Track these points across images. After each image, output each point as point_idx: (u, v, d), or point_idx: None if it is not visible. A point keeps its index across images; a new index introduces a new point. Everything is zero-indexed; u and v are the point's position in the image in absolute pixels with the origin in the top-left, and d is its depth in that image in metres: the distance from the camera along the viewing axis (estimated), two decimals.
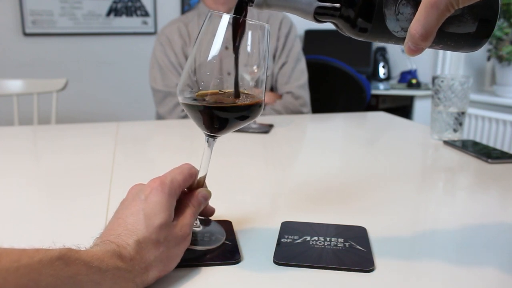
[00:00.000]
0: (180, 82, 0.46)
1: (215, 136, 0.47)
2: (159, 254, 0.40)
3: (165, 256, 0.41)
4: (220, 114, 0.45)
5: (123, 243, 0.39)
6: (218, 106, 0.44)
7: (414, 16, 0.37)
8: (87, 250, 0.37)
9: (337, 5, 0.42)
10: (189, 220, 0.44)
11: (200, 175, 0.48)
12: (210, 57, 0.44)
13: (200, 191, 0.48)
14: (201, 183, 0.49)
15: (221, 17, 0.43)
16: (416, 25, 0.36)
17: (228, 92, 0.45)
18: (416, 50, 0.38)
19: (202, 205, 0.47)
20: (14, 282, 0.30)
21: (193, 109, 0.45)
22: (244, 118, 0.46)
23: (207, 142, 0.48)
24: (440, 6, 0.35)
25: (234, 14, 0.44)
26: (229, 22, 0.43)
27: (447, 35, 0.40)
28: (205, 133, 0.47)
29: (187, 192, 0.48)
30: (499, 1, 0.40)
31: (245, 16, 0.44)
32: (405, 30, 0.40)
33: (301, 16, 0.43)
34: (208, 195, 0.49)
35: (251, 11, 1.47)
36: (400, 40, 0.41)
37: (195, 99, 0.44)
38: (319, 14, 0.43)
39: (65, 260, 0.34)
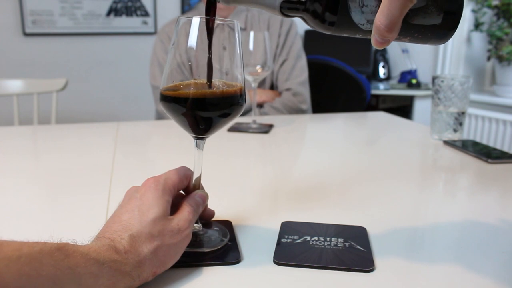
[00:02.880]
0: (165, 85, 0.46)
1: (203, 138, 0.48)
2: (153, 248, 0.40)
3: (160, 251, 0.41)
4: (201, 109, 0.44)
5: (118, 237, 0.39)
6: (196, 94, 0.44)
7: (378, 8, 0.37)
8: (83, 245, 0.38)
9: None
10: (187, 216, 0.44)
11: (194, 177, 0.49)
12: (206, 58, 0.44)
13: (196, 192, 0.48)
14: (197, 186, 0.49)
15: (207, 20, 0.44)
16: (381, 16, 0.36)
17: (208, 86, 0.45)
18: (382, 42, 0.38)
19: (201, 206, 0.47)
20: (16, 270, 0.31)
21: (172, 105, 0.45)
22: (225, 114, 0.46)
23: (196, 145, 0.48)
24: None
25: (205, 11, 0.45)
26: (212, 24, 0.44)
27: (414, 27, 0.40)
28: (193, 136, 0.48)
29: (184, 194, 0.49)
30: None
31: (214, 14, 0.45)
32: (370, 22, 0.39)
33: (268, 10, 0.43)
34: (205, 196, 0.49)
35: (252, 11, 1.48)
36: (367, 33, 0.41)
37: (174, 91, 0.45)
38: (285, 9, 0.43)
39: (64, 251, 0.34)
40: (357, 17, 0.40)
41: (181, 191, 0.49)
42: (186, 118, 0.45)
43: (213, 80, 0.45)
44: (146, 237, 0.40)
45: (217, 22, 0.44)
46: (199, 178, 0.49)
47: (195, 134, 0.47)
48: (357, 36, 0.42)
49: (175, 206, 0.46)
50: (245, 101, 0.47)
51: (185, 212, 0.45)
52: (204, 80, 0.45)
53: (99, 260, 0.36)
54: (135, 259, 0.39)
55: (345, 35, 0.43)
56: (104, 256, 0.37)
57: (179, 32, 0.45)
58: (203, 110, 0.44)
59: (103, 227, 0.42)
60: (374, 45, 0.38)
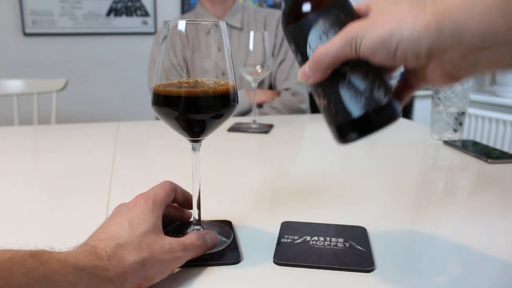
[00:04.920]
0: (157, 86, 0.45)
1: (198, 140, 0.47)
2: (141, 259, 0.38)
3: (148, 264, 0.39)
4: (193, 106, 0.44)
5: (102, 245, 0.38)
6: (186, 92, 0.43)
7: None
8: (61, 251, 0.35)
9: None
10: (184, 241, 0.43)
11: (194, 183, 0.48)
12: (204, 60, 0.44)
13: (210, 232, 0.48)
14: (196, 194, 0.49)
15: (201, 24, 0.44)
16: (322, 46, 0.37)
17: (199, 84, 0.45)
18: (307, 75, 0.38)
19: (207, 246, 0.46)
20: None
21: (164, 109, 0.45)
22: (218, 115, 0.45)
23: (192, 149, 0.48)
24: (348, 34, 0.36)
25: None
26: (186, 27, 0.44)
27: (336, 94, 0.39)
28: (188, 140, 0.48)
29: (176, 206, 0.49)
30: (387, 123, 0.39)
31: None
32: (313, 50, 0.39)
33: None
34: (216, 240, 0.48)
35: (248, 10, 1.48)
36: (303, 61, 0.40)
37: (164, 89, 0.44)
38: None
39: (39, 258, 0.32)
40: (312, 36, 0.39)
41: (175, 204, 0.50)
42: (178, 121, 0.45)
43: (204, 79, 0.45)
44: (133, 247, 0.39)
45: (206, 23, 0.44)
46: (198, 183, 0.49)
47: (189, 136, 0.47)
48: (297, 57, 0.41)
49: (165, 219, 0.46)
50: (237, 100, 0.47)
51: (185, 238, 0.44)
52: (193, 79, 0.44)
53: (78, 266, 0.34)
54: (119, 266, 0.37)
55: (292, 46, 0.42)
56: (83, 261, 0.35)
57: (168, 36, 0.44)
58: (195, 107, 0.44)
59: (88, 238, 0.41)
60: (300, 74, 0.39)
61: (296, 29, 0.40)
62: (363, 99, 0.38)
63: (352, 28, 0.36)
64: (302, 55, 0.40)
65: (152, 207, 0.43)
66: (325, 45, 0.37)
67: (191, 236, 0.44)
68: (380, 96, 0.38)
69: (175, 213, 0.51)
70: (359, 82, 0.38)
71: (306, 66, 0.38)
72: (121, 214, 0.42)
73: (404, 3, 0.34)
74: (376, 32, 0.34)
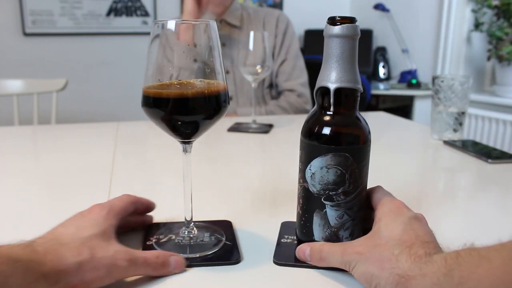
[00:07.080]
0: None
1: (189, 142, 0.47)
2: (78, 260, 0.37)
3: (86, 266, 0.37)
4: (181, 105, 0.44)
5: (41, 241, 0.37)
6: (176, 94, 0.43)
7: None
8: None
9: None
10: (137, 252, 0.41)
11: (185, 184, 0.48)
12: (186, 61, 0.44)
13: (175, 255, 0.44)
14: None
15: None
16: (325, 253, 0.43)
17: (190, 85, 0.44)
18: (305, 255, 0.45)
19: (167, 268, 0.43)
20: None
21: (153, 110, 0.45)
22: (210, 116, 0.45)
23: (183, 150, 0.48)
24: (345, 258, 0.41)
25: None
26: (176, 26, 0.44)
27: (310, 214, 0.46)
28: (179, 141, 0.47)
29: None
30: None
31: None
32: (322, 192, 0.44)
33: None
34: (181, 266, 0.43)
35: (247, 10, 1.48)
36: (300, 172, 0.48)
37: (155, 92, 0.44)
38: None
39: None
40: (316, 163, 0.44)
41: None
42: (168, 123, 0.45)
43: (194, 80, 0.45)
44: (74, 247, 0.38)
45: (197, 23, 0.44)
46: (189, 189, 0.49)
47: (180, 138, 0.47)
48: (299, 161, 0.48)
49: (125, 227, 0.48)
50: (228, 101, 0.47)
51: (140, 252, 0.42)
52: (184, 80, 0.44)
53: (12, 257, 0.33)
54: (54, 262, 0.35)
55: (300, 151, 0.47)
56: (18, 254, 0.34)
57: (159, 37, 0.44)
58: (186, 108, 0.44)
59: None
60: (298, 249, 0.45)
61: (309, 146, 0.45)
62: (328, 231, 0.45)
63: (348, 253, 0.41)
64: (302, 166, 0.46)
65: (105, 215, 0.44)
66: (328, 255, 0.43)
67: (149, 252, 0.43)
68: (344, 235, 0.45)
69: (136, 220, 0.52)
70: (333, 218, 0.44)
71: (308, 250, 0.44)
72: (72, 219, 0.43)
73: (392, 249, 0.39)
74: (363, 268, 0.39)
